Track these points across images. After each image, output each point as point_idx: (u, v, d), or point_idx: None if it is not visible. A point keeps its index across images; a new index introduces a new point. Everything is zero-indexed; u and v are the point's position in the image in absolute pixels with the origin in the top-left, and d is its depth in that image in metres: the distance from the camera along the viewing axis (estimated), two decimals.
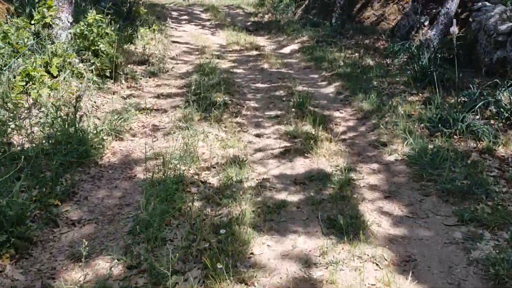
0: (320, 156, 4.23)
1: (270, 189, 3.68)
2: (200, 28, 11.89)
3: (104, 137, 4.42)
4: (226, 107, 5.54)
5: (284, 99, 6.04)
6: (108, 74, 6.15)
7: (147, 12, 10.63)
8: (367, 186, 3.75)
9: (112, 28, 7.94)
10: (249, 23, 12.83)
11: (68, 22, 6.74)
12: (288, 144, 4.54)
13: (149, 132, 4.86)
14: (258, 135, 4.80)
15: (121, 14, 9.56)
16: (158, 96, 6.06)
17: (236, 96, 6.12)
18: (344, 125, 5.19)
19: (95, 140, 4.26)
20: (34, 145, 3.86)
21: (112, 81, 6.24)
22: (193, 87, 5.86)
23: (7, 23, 6.01)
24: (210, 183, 3.77)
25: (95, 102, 5.54)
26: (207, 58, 8.39)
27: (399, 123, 4.79)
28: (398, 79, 6.63)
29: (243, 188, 3.66)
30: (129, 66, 7.19)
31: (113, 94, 5.93)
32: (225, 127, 4.92)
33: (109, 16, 7.93)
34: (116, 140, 4.54)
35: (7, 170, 3.39)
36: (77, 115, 4.05)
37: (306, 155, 4.30)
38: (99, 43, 6.23)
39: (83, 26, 6.16)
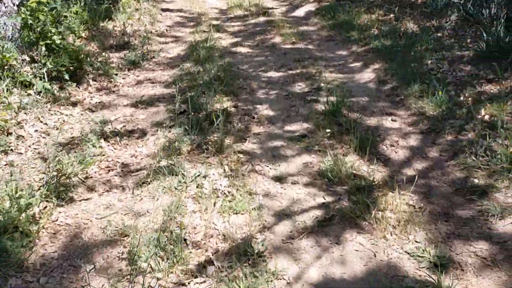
0: (384, 229, 2.45)
1: None
2: None
3: (39, 207, 2.68)
4: (228, 121, 3.70)
5: (308, 98, 4.15)
6: (67, 76, 4.29)
7: None
8: None
9: (82, 3, 6.00)
10: None
11: (13, 4, 4.82)
12: (327, 200, 2.74)
13: (116, 180, 3.09)
14: (278, 179, 2.99)
15: None
16: (136, 104, 4.20)
17: (242, 97, 4.24)
18: (403, 145, 3.33)
19: (20, 219, 2.52)
20: None
21: (75, 84, 4.40)
22: (182, 88, 3.99)
23: None
24: None
25: (46, 124, 3.75)
26: (203, 31, 6.42)
27: (494, 147, 2.94)
28: (459, 53, 4.65)
29: None
30: (103, 54, 5.29)
31: (75, 106, 4.12)
32: (227, 164, 3.12)
33: None
34: (61, 206, 2.80)
35: None
36: None
37: (359, 224, 2.52)
38: (52, 33, 4.32)
39: (24, 13, 4.22)
